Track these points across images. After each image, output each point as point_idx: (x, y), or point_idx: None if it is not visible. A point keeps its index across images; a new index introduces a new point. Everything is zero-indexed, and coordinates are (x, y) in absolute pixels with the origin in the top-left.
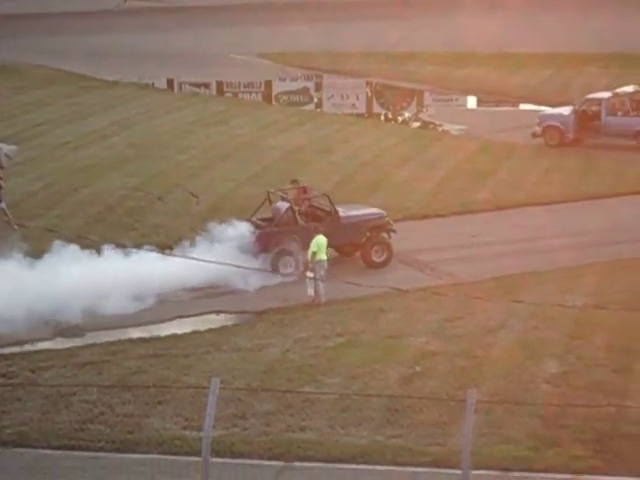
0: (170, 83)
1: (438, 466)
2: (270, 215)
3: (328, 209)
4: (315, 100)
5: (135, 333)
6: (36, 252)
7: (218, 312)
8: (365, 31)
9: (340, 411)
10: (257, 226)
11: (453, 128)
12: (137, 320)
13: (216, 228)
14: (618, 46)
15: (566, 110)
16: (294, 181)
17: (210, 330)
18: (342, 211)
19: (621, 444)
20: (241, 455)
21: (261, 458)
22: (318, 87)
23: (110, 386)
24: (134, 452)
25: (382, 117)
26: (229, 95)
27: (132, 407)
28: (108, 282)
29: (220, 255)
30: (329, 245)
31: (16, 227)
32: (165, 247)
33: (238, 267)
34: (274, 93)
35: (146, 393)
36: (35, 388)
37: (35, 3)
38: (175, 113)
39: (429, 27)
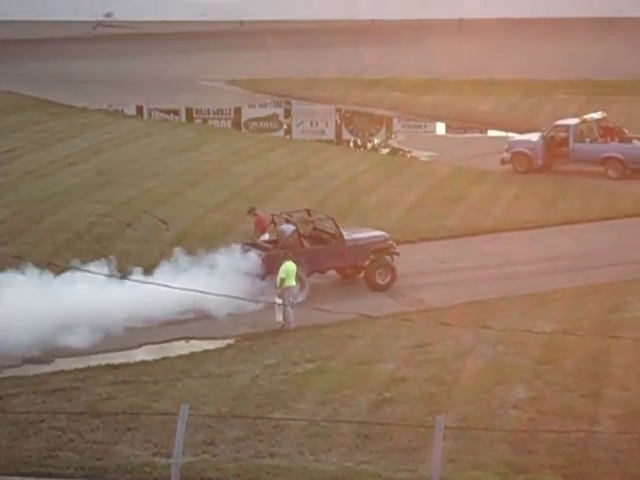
0: (139, 110)
1: None
2: (274, 237)
3: (332, 232)
4: (284, 126)
5: (104, 360)
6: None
7: (188, 339)
8: (333, 58)
9: (310, 437)
10: (262, 248)
11: (422, 154)
12: (106, 347)
13: (221, 251)
14: (585, 72)
15: (534, 137)
16: (252, 210)
17: (179, 357)
18: (347, 234)
19: (590, 469)
20: None
21: None
22: (287, 114)
23: (79, 413)
24: (103, 479)
25: (351, 143)
26: (198, 122)
27: (101, 434)
28: (75, 310)
29: (224, 278)
30: (334, 267)
31: None
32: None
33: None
34: (243, 120)
35: (115, 420)
36: (3, 415)
37: (3, 29)
38: (144, 140)
39: (397, 54)
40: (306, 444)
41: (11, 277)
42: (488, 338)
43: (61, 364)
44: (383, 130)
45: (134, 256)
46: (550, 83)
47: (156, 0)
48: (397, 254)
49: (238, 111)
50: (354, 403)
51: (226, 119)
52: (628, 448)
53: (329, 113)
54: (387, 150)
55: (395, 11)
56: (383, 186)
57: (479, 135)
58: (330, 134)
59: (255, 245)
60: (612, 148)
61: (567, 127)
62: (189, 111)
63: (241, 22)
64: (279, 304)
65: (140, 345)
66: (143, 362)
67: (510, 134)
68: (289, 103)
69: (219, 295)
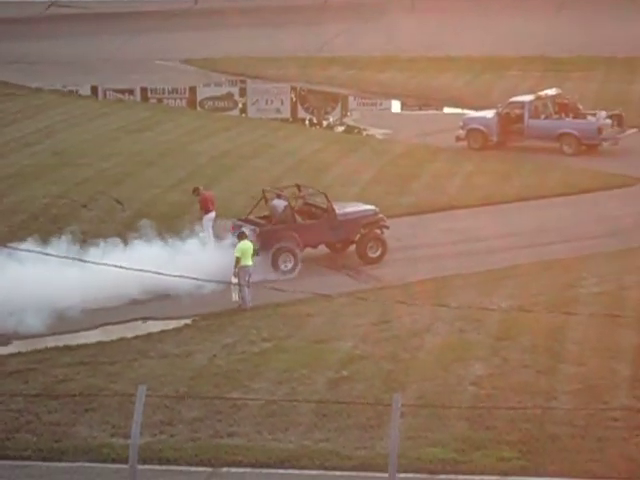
0: (94, 90)
1: (366, 470)
2: (266, 213)
3: (323, 206)
4: (240, 105)
5: (61, 341)
6: None
7: (145, 319)
8: (288, 36)
9: (268, 416)
10: (256, 224)
11: (378, 132)
12: (63, 328)
13: (216, 226)
14: (539, 49)
15: (489, 113)
16: (196, 189)
17: (137, 337)
18: (337, 208)
19: (547, 445)
20: (169, 462)
21: (189, 464)
22: (242, 92)
23: (36, 395)
24: (62, 461)
25: (307, 122)
26: (154, 101)
27: (59, 415)
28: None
29: (219, 252)
30: (326, 242)
31: None
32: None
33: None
34: (199, 99)
35: (73, 401)
36: None
37: None
38: (99, 120)
39: (351, 32)
40: (264, 423)
41: None
42: (445, 315)
43: (18, 346)
44: (339, 108)
45: (90, 237)
46: (505, 60)
47: None
48: (387, 227)
49: (193, 90)
50: (312, 382)
51: (181, 98)
52: (584, 423)
53: (284, 91)
54: (343, 128)
55: None
56: (339, 164)
57: (434, 112)
58: (285, 112)
59: (248, 221)
60: (567, 124)
61: (522, 104)
62: (144, 91)
63: (195, 1)
64: (235, 283)
65: (97, 326)
66: (100, 343)
67: (465, 111)
68: (244, 82)
69: (174, 276)
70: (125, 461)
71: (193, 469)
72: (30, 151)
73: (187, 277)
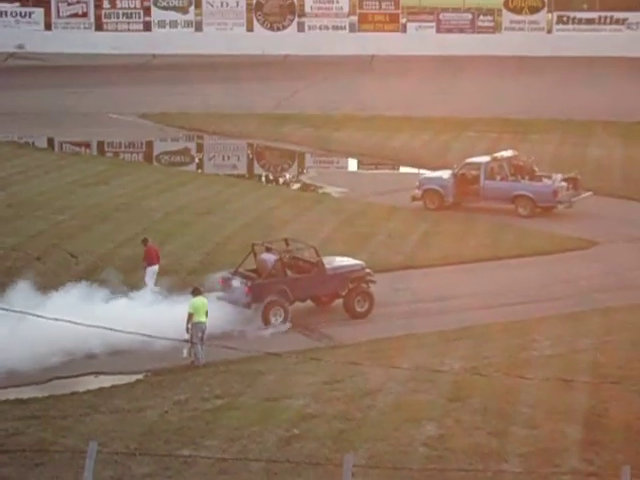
0: (50, 142)
1: None
2: (254, 267)
3: (312, 260)
4: (196, 161)
5: (12, 394)
6: None
7: (97, 374)
8: (246, 92)
9: (218, 474)
10: (246, 277)
11: (334, 190)
12: (14, 381)
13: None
14: (496, 111)
15: (445, 174)
16: (145, 240)
17: (88, 392)
18: (326, 263)
19: None
20: None
21: None
22: (199, 148)
23: None
24: None
25: (263, 178)
26: (110, 155)
27: (9, 470)
28: None
29: (168, 307)
30: (315, 295)
31: None
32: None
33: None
34: (155, 153)
35: (23, 456)
36: None
37: None
38: (55, 173)
39: (309, 89)
40: None
41: None
42: (398, 375)
43: None
44: (295, 165)
45: (43, 290)
46: (462, 121)
47: (69, 32)
48: (374, 282)
49: (150, 145)
50: (263, 440)
51: (138, 153)
52: None
53: (241, 148)
54: (298, 185)
55: (308, 47)
56: (294, 222)
57: (391, 172)
58: (242, 169)
59: (238, 274)
60: (522, 186)
61: (478, 165)
62: (100, 144)
63: (153, 55)
64: (186, 340)
65: (49, 380)
66: (52, 397)
67: (422, 171)
68: (201, 137)
69: (126, 332)
70: None
71: None
72: None
73: (138, 333)
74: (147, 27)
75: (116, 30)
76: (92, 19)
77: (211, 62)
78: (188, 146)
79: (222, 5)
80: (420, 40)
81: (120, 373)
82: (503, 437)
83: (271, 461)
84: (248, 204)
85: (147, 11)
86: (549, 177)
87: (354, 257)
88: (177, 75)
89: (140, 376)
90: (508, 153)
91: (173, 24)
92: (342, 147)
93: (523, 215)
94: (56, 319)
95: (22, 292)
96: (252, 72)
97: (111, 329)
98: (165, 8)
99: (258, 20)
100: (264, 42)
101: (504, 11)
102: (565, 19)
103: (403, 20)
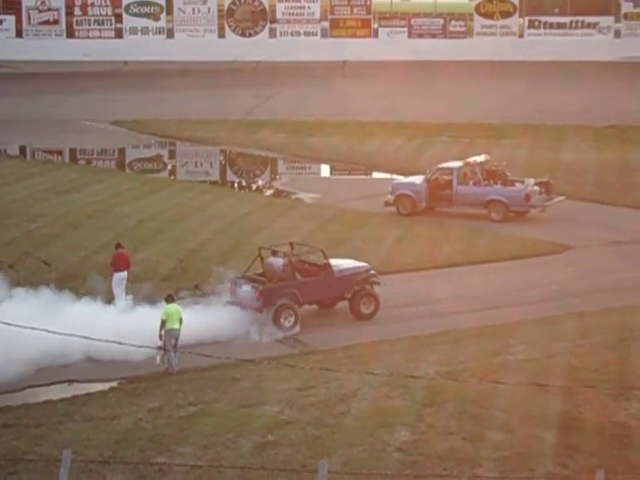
0: (23, 150)
1: None
2: (261, 271)
3: (318, 263)
4: (169, 167)
5: None
6: None
7: (70, 381)
8: (218, 99)
9: None
10: (256, 281)
11: (306, 196)
12: None
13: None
14: (469, 115)
15: (418, 179)
16: (118, 245)
17: (62, 400)
18: (333, 265)
19: None
20: None
21: None
22: (172, 154)
23: None
24: None
25: (236, 185)
26: (82, 163)
27: None
28: None
29: (219, 312)
30: (323, 298)
31: None
32: None
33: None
34: (127, 160)
35: None
36: None
37: None
38: (27, 180)
39: (281, 95)
40: None
41: None
42: (372, 381)
43: None
44: (268, 172)
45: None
46: (435, 126)
47: (40, 40)
48: (378, 283)
49: (122, 152)
50: (237, 446)
51: (110, 160)
52: None
53: (213, 154)
54: (272, 192)
55: (280, 53)
56: (268, 228)
57: (363, 177)
58: (215, 175)
59: (247, 278)
60: (495, 191)
61: (451, 170)
62: (73, 152)
63: (125, 62)
64: (159, 347)
65: (22, 388)
66: (25, 405)
67: (394, 176)
68: (173, 144)
69: (99, 340)
70: None
71: None
72: None
73: (112, 341)
74: (119, 34)
75: (88, 37)
76: (63, 26)
77: (183, 69)
78: (161, 153)
79: (194, 12)
80: (392, 45)
81: (94, 381)
82: (478, 442)
83: (246, 468)
84: (221, 211)
85: (119, 18)
86: (522, 182)
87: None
88: (149, 82)
89: (114, 384)
90: (481, 158)
91: (145, 31)
92: (315, 153)
93: (496, 220)
94: (29, 328)
95: None
96: (224, 79)
97: (85, 337)
98: (136, 15)
99: (230, 26)
100: (236, 48)
101: (476, 16)
102: (537, 24)
103: (375, 25)
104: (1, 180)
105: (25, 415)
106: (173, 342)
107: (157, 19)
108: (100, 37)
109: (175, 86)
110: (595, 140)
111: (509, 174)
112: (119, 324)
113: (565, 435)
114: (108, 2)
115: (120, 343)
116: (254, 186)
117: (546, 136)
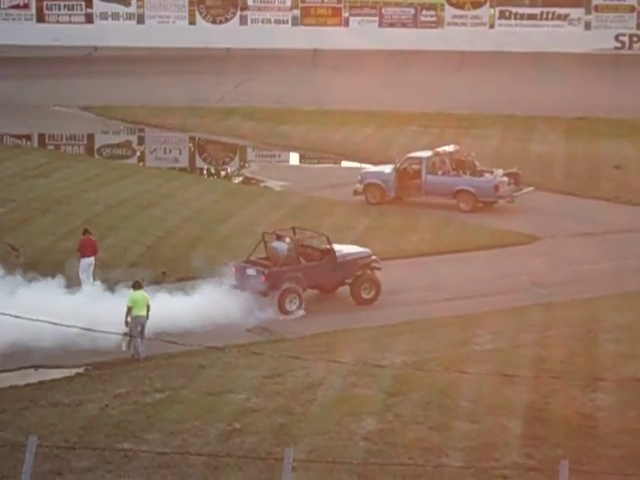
0: None
1: None
2: (264, 255)
3: (321, 248)
4: (138, 154)
5: None
6: None
7: (36, 367)
8: (188, 85)
9: (159, 468)
10: (261, 265)
11: (275, 184)
12: None
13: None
14: (439, 105)
15: (387, 168)
16: (86, 231)
17: (28, 385)
18: (336, 250)
19: None
20: None
21: None
22: (141, 141)
23: None
24: None
25: (204, 172)
26: (51, 148)
27: None
28: None
29: (225, 295)
30: (326, 283)
31: None
32: None
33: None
34: (96, 146)
35: None
36: None
37: None
38: None
39: (251, 83)
40: (155, 475)
41: None
42: (338, 370)
43: None
44: (237, 159)
45: None
46: (405, 115)
47: (9, 24)
48: (379, 269)
49: (91, 137)
50: (204, 434)
51: (79, 145)
52: None
53: (183, 141)
54: (240, 179)
55: (251, 40)
56: (236, 215)
57: (333, 165)
58: (183, 162)
59: (252, 262)
60: (464, 181)
61: (420, 159)
62: (41, 137)
63: (95, 48)
64: (125, 334)
65: None
66: None
67: (363, 165)
68: (143, 130)
69: (65, 325)
70: None
71: None
72: None
73: (79, 327)
74: (89, 19)
75: (58, 22)
76: (33, 10)
77: (153, 55)
78: (130, 139)
79: None
80: (363, 34)
81: (60, 367)
82: (444, 431)
83: (212, 455)
84: (189, 197)
85: (89, 3)
86: (491, 172)
87: None
88: (119, 68)
89: (80, 369)
90: (450, 148)
91: (115, 16)
92: (285, 141)
93: (465, 210)
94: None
95: None
96: (195, 65)
97: (51, 322)
98: (107, 0)
99: (200, 13)
100: (206, 35)
101: (446, 6)
102: (507, 14)
103: (345, 14)
104: None
105: None
106: (139, 329)
107: (128, 5)
108: (70, 22)
109: (145, 72)
110: (565, 131)
111: (478, 164)
112: (85, 310)
113: (531, 425)
114: None
115: (87, 329)
116: (223, 173)
117: (516, 127)
